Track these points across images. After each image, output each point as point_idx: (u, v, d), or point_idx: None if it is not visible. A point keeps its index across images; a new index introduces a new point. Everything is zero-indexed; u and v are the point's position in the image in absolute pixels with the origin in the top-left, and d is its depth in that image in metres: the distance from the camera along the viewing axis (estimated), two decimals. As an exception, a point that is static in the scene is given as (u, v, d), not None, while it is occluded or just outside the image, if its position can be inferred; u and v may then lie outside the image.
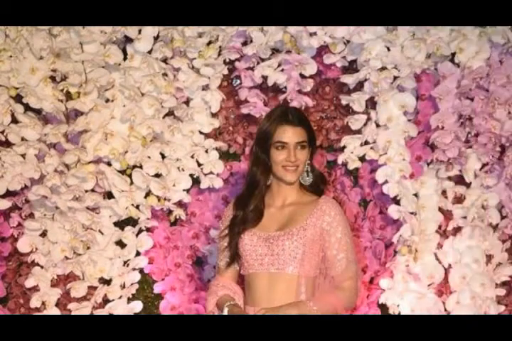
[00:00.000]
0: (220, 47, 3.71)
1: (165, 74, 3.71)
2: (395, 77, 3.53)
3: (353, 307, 3.43)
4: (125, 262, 3.81)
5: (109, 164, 3.74)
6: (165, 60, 3.74)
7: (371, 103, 3.60)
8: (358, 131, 3.62)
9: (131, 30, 3.64)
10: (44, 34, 3.64)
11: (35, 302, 3.80)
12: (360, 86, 3.61)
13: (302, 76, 3.66)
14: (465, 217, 3.51)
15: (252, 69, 3.69)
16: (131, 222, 3.81)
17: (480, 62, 3.48)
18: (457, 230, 3.55)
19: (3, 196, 3.76)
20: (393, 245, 3.61)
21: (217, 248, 3.44)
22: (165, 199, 3.75)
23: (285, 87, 3.70)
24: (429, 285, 3.55)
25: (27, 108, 3.71)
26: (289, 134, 3.15)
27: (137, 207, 3.75)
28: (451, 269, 3.53)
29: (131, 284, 3.81)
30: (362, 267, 3.63)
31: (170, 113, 3.79)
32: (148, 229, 3.84)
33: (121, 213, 3.74)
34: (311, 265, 3.14)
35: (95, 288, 3.79)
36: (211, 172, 3.77)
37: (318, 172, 3.29)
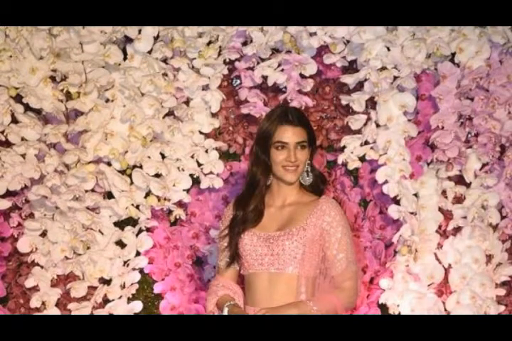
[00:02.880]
0: (220, 47, 3.71)
1: (165, 74, 3.71)
2: (395, 77, 3.53)
3: (353, 307, 3.43)
4: (125, 262, 3.80)
5: (109, 164, 3.74)
6: (165, 60, 3.74)
7: (371, 103, 3.60)
8: (358, 131, 3.61)
9: (131, 30, 3.64)
10: (44, 34, 3.64)
11: (35, 302, 3.80)
12: (360, 86, 3.61)
13: (302, 76, 3.66)
14: (465, 217, 3.51)
15: (252, 69, 3.69)
16: (131, 222, 3.81)
17: (480, 62, 3.48)
18: (457, 230, 3.55)
19: (3, 196, 3.76)
20: (393, 245, 3.61)
21: (217, 248, 3.44)
22: (165, 199, 3.75)
23: (285, 87, 3.70)
24: (429, 285, 3.55)
25: (27, 108, 3.71)
26: (289, 134, 3.15)
27: (137, 207, 3.75)
28: (451, 269, 3.54)
29: (131, 284, 3.81)
30: (362, 267, 3.64)
31: (170, 113, 3.79)
32: (148, 229, 3.84)
33: (121, 213, 3.74)
34: (311, 265, 3.14)
35: (95, 288, 3.79)
36: (211, 172, 3.77)
37: (318, 172, 3.29)
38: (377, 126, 3.57)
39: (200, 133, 3.78)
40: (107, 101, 3.72)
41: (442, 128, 3.49)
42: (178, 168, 3.76)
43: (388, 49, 3.51)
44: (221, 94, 3.74)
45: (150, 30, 3.67)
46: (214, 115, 3.80)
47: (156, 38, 3.70)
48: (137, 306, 3.83)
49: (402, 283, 3.55)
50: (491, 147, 3.46)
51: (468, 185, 3.55)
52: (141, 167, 3.73)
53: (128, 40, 3.72)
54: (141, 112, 3.67)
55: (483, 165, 3.52)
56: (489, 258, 3.53)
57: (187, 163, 3.76)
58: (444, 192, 3.58)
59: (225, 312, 3.16)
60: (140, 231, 3.81)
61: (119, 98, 3.70)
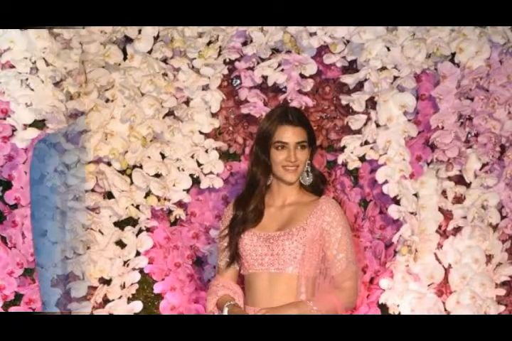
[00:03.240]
0: (220, 47, 3.71)
1: (165, 74, 3.71)
2: (395, 77, 3.53)
3: (353, 307, 3.43)
4: (125, 262, 3.80)
5: (109, 164, 3.73)
6: (165, 60, 3.74)
7: (371, 103, 3.60)
8: (358, 131, 3.61)
9: (131, 30, 3.65)
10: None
11: (35, 302, 3.80)
12: (360, 86, 3.61)
13: (302, 76, 3.66)
14: (465, 217, 3.51)
15: (252, 69, 3.69)
16: (131, 222, 3.81)
17: (480, 62, 3.48)
18: (457, 230, 3.55)
19: (4, 195, 3.77)
20: (393, 245, 3.60)
21: (217, 248, 3.44)
22: (165, 199, 3.75)
23: (285, 87, 3.70)
24: (429, 285, 3.54)
25: (27, 108, 3.71)
26: (289, 134, 3.16)
27: (137, 207, 3.75)
28: (451, 269, 3.53)
29: (131, 284, 3.81)
30: (362, 267, 3.63)
31: (170, 113, 3.79)
32: (148, 229, 3.83)
33: (121, 213, 3.74)
34: (311, 265, 3.14)
35: (95, 288, 3.78)
36: (211, 172, 3.77)
37: (318, 172, 3.30)
38: (377, 126, 3.57)
39: (200, 133, 3.78)
40: (107, 101, 3.72)
41: (442, 128, 3.49)
42: (178, 168, 3.76)
43: (388, 49, 3.51)
44: (221, 94, 3.74)
45: (150, 30, 3.68)
46: (214, 115, 3.80)
47: (156, 38, 3.71)
48: (137, 306, 3.83)
49: (402, 283, 3.55)
50: (491, 147, 3.46)
51: (468, 185, 3.55)
52: (141, 167, 3.73)
53: (128, 40, 3.72)
54: (141, 112, 3.67)
55: (483, 165, 3.52)
56: (489, 258, 3.53)
57: (187, 163, 3.76)
58: (444, 192, 3.58)
59: (225, 312, 3.16)
60: (140, 231, 3.80)
61: (119, 98, 3.70)
